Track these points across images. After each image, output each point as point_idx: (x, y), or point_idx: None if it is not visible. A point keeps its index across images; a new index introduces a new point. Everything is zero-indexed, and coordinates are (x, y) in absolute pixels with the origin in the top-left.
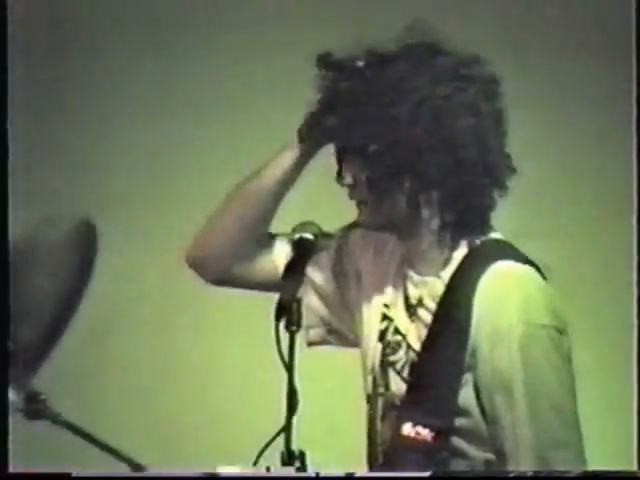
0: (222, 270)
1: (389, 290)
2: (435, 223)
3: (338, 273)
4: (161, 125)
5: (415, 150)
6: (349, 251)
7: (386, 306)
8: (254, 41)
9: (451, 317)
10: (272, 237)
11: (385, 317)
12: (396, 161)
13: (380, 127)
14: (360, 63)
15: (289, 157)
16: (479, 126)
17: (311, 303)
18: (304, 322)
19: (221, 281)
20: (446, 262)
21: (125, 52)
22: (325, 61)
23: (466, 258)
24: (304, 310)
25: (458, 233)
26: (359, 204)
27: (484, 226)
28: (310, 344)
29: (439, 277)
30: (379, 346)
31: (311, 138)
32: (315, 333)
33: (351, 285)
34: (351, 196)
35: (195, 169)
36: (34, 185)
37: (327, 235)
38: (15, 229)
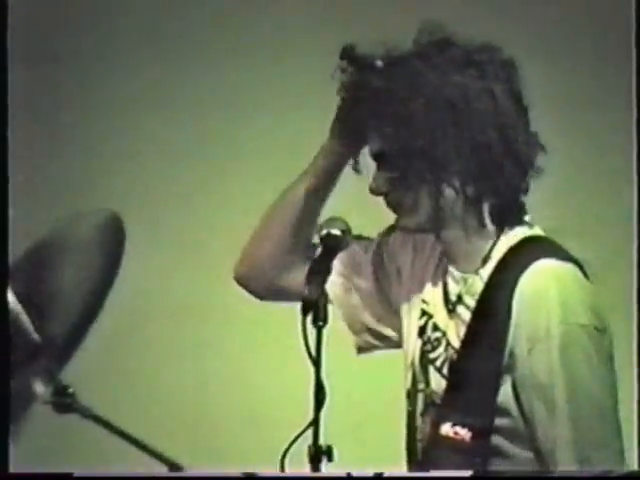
0: (269, 282)
1: (428, 286)
2: (470, 215)
3: (379, 274)
4: (174, 122)
5: (435, 143)
6: (389, 250)
7: (425, 302)
8: (276, 44)
9: (490, 316)
10: (316, 246)
11: (424, 313)
12: (420, 158)
13: (398, 125)
14: (379, 63)
15: (325, 162)
16: (497, 108)
17: (355, 309)
18: (350, 329)
19: (269, 294)
20: (485, 259)
21: (128, 51)
22: (349, 54)
23: (506, 256)
24: (348, 317)
25: (494, 221)
26: (394, 209)
27: (519, 210)
28: (359, 350)
29: (478, 274)
30: (419, 342)
31: (342, 132)
32: (361, 339)
33: (393, 284)
34: (387, 204)
35: (220, 168)
36: (35, 186)
37: (364, 238)
38: (16, 228)
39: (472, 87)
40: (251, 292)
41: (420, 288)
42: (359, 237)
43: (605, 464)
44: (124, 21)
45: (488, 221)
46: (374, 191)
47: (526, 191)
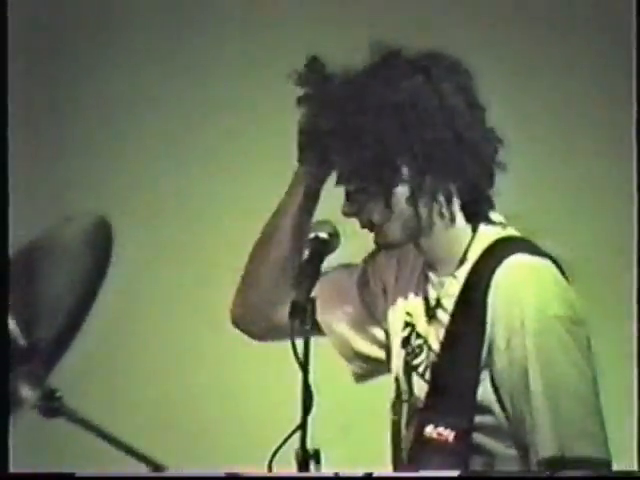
0: (266, 321)
1: (411, 297)
2: (438, 216)
3: (365, 297)
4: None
5: (386, 150)
6: (374, 270)
7: (408, 314)
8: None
9: (467, 315)
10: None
11: (407, 324)
12: (374, 168)
13: (350, 140)
14: (335, 81)
15: (301, 187)
16: (446, 107)
17: (345, 336)
18: (343, 358)
19: (268, 332)
20: (462, 261)
21: (127, 51)
22: (312, 66)
23: (482, 256)
24: (339, 345)
25: (463, 218)
26: (369, 228)
27: (485, 204)
28: (357, 379)
29: (454, 277)
30: (402, 353)
31: (309, 155)
32: (355, 366)
33: (379, 303)
34: (361, 224)
35: (215, 171)
36: (35, 186)
37: (349, 265)
38: (16, 228)
39: (419, 90)
40: (250, 334)
41: (404, 301)
42: (345, 265)
43: (587, 453)
44: (124, 22)
45: (457, 219)
46: (345, 213)
47: (490, 185)
